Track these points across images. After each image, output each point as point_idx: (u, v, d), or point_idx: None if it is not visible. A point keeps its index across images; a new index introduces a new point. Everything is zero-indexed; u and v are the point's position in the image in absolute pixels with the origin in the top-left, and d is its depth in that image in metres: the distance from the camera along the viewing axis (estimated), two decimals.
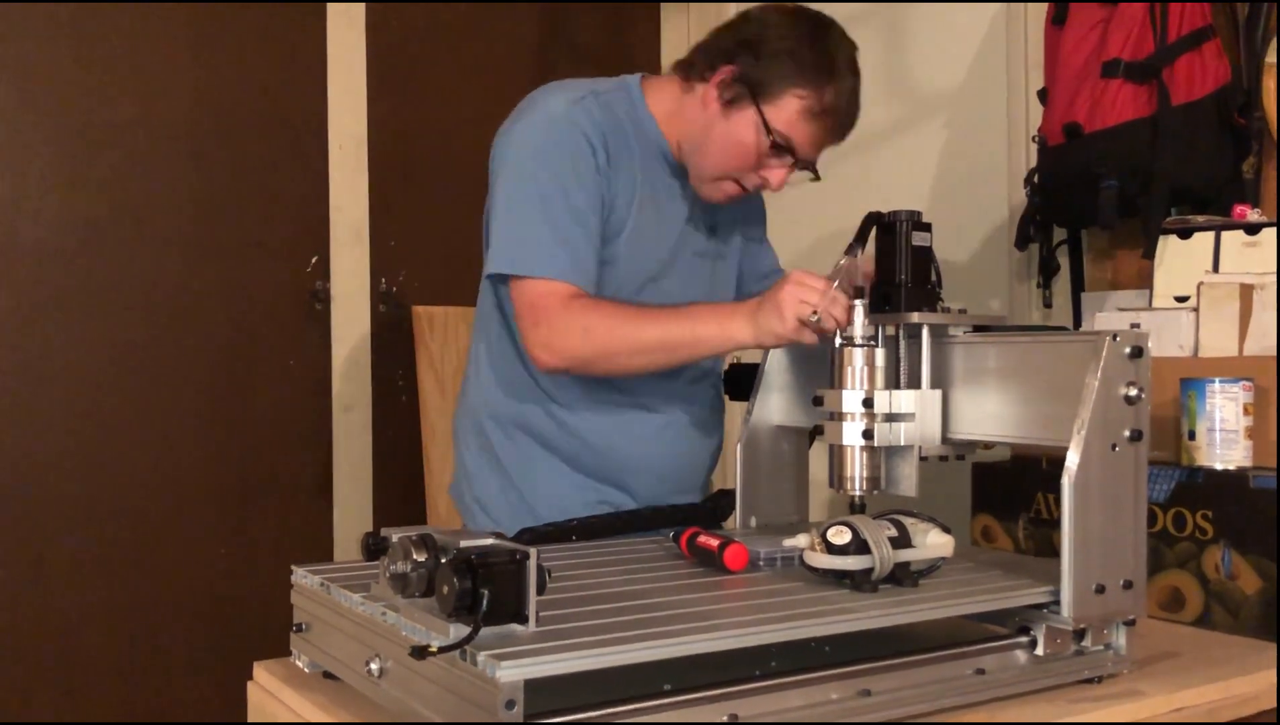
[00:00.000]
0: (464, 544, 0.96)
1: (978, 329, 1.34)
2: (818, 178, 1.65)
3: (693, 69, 1.65)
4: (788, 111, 1.58)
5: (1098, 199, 1.87)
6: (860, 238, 1.39)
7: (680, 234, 1.70)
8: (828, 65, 1.59)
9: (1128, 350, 1.17)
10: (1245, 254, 1.68)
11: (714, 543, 1.28)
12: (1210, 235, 1.72)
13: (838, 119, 1.61)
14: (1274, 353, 1.55)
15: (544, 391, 1.67)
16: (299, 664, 1.22)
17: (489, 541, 0.98)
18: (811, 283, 1.40)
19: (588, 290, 1.56)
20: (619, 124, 1.63)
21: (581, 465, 1.68)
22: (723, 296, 1.78)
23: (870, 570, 1.16)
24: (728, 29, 1.64)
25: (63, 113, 2.26)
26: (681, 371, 1.70)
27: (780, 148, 1.58)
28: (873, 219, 1.37)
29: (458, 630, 0.93)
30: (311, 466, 2.52)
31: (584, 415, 1.67)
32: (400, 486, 2.59)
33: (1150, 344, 1.19)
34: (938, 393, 1.33)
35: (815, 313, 1.36)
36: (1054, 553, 1.17)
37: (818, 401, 1.33)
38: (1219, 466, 1.49)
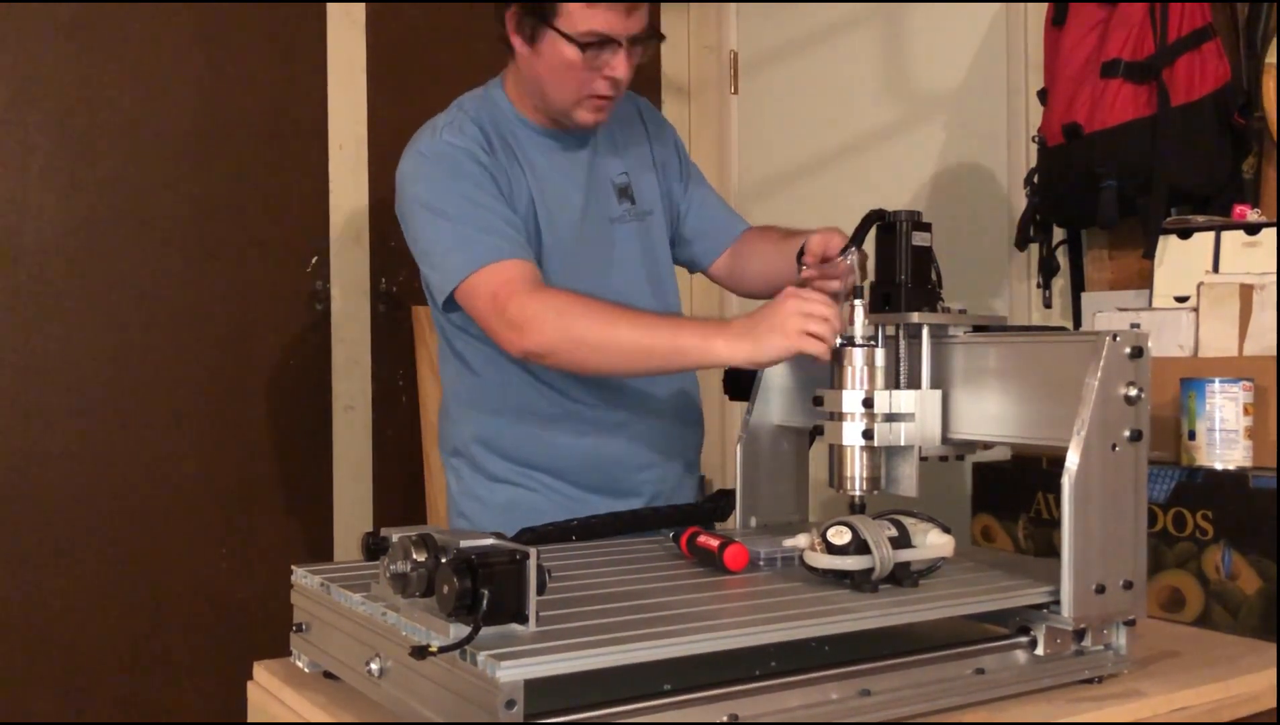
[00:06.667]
0: (464, 544, 0.96)
1: (978, 329, 1.34)
2: (661, 37, 1.69)
3: (501, 36, 1.68)
4: (575, 13, 1.58)
5: (1097, 199, 1.87)
6: (856, 238, 1.39)
7: (587, 204, 1.71)
8: None
9: (1128, 350, 1.17)
10: (1245, 254, 1.68)
11: (714, 543, 1.28)
12: (1210, 235, 1.72)
13: None
14: (1274, 352, 1.55)
15: (513, 409, 1.69)
16: (299, 664, 1.22)
17: (489, 541, 0.98)
18: (815, 300, 1.36)
19: (534, 263, 1.56)
20: (494, 125, 1.67)
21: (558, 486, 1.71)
22: (660, 256, 1.80)
23: (870, 570, 1.16)
24: None
25: (63, 113, 2.26)
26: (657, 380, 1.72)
27: (594, 44, 1.59)
28: (872, 218, 1.37)
29: (458, 630, 0.93)
30: (311, 466, 2.52)
31: (553, 435, 1.70)
32: (400, 486, 2.59)
33: (1150, 344, 1.19)
34: (938, 393, 1.33)
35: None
36: (1054, 553, 1.17)
37: (818, 401, 1.33)
38: (1219, 466, 1.49)
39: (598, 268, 1.70)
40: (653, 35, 1.65)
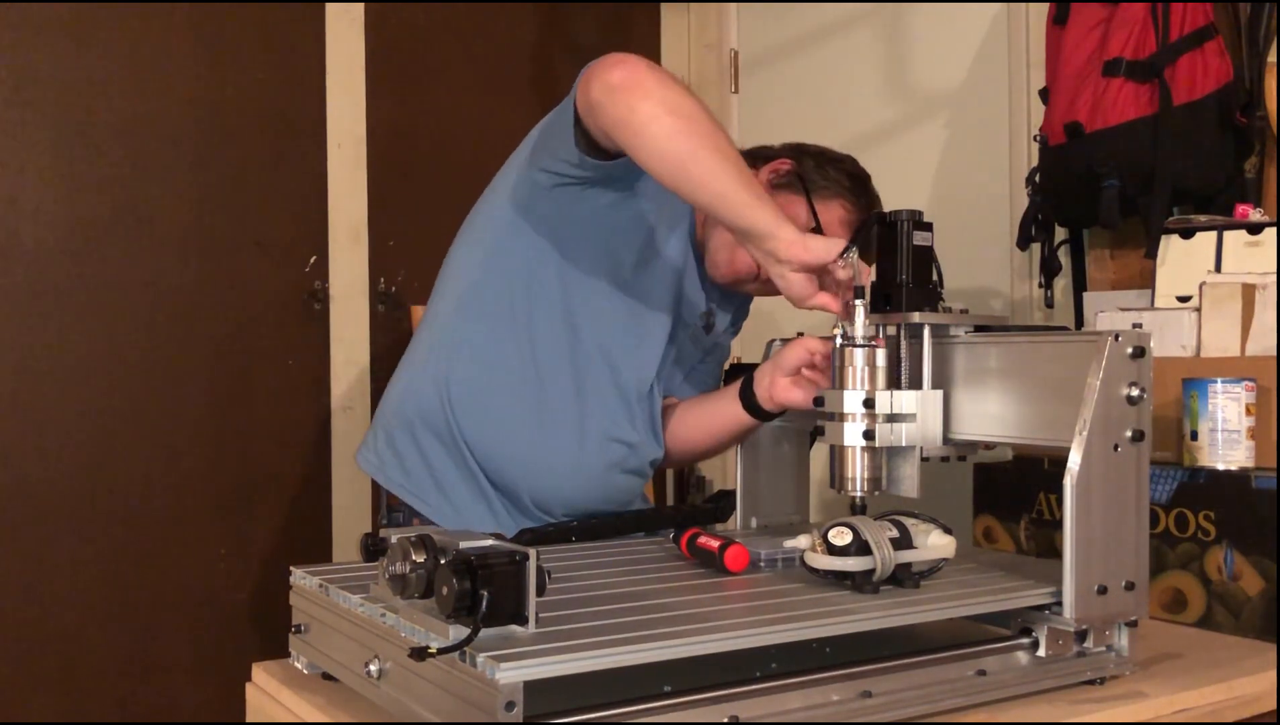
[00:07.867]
0: (463, 545, 0.96)
1: (979, 329, 1.34)
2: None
3: (765, 156, 1.68)
4: (833, 214, 1.63)
5: (1099, 198, 1.87)
6: (855, 240, 1.38)
7: (679, 302, 1.66)
8: (874, 201, 1.71)
9: (1130, 350, 1.16)
10: (1247, 254, 1.68)
11: (714, 543, 1.28)
12: (1212, 235, 1.72)
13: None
14: (1275, 352, 1.55)
15: (459, 407, 1.59)
16: (298, 665, 1.21)
17: (489, 542, 0.98)
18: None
19: None
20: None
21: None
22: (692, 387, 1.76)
23: (871, 571, 1.16)
24: (786, 146, 1.72)
25: (62, 113, 2.25)
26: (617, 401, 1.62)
27: None
28: (874, 219, 1.37)
29: (457, 631, 0.92)
30: (311, 466, 2.51)
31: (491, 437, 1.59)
32: None
33: (1152, 344, 1.18)
34: (939, 393, 1.32)
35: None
36: (1056, 553, 1.17)
37: (819, 402, 1.32)
38: (1221, 467, 1.49)
39: (636, 340, 1.62)
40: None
